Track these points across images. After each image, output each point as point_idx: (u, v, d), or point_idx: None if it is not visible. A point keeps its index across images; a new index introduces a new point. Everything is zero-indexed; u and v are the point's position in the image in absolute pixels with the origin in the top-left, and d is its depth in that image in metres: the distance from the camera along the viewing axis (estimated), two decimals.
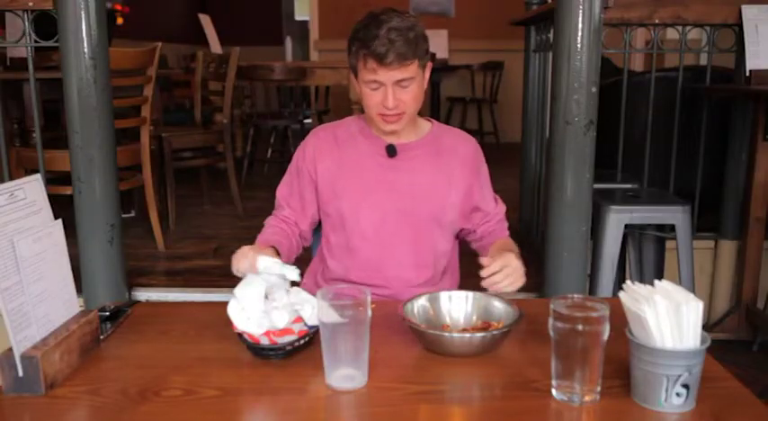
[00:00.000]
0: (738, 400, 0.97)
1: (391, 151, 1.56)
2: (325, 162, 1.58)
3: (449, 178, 1.58)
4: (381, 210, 1.54)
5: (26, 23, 2.37)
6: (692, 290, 2.26)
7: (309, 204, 1.61)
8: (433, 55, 5.98)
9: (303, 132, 4.56)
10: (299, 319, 1.11)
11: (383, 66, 1.42)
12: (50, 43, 2.34)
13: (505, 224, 1.68)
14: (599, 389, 0.96)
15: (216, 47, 5.28)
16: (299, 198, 1.61)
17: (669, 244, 2.49)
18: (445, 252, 1.62)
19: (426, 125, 1.63)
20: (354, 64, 1.48)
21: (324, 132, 1.62)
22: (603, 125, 2.31)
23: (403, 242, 1.56)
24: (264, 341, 1.08)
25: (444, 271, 1.64)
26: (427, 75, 1.52)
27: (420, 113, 1.60)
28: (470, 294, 1.25)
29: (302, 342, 1.10)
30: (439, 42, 6.75)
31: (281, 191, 1.64)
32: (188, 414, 0.95)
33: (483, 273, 1.30)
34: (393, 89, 1.45)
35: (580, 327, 0.94)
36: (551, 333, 0.97)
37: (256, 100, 5.56)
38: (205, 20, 5.46)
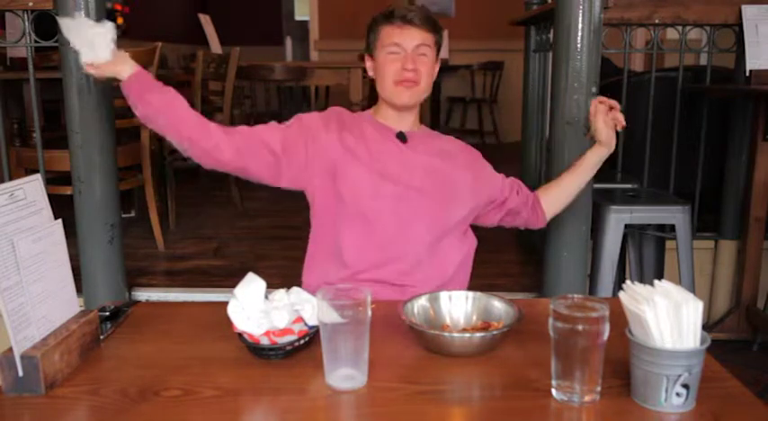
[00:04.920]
0: (738, 400, 0.97)
1: (402, 137, 1.61)
2: (331, 134, 1.55)
3: (454, 161, 1.63)
4: (400, 186, 1.54)
5: (26, 23, 2.37)
6: (692, 290, 2.26)
7: (269, 147, 1.53)
8: None
9: None
10: (299, 319, 1.11)
11: (407, 24, 1.53)
12: (50, 43, 2.34)
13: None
14: (599, 389, 0.96)
15: (216, 47, 5.28)
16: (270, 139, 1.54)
17: (669, 244, 2.48)
18: (461, 231, 1.64)
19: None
20: (374, 39, 1.58)
21: (333, 113, 1.63)
22: None
23: (420, 216, 1.56)
24: (264, 341, 1.08)
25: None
26: (437, 66, 1.63)
27: (420, 116, 1.65)
28: (470, 294, 1.25)
29: (302, 342, 1.10)
30: None
31: (255, 127, 1.57)
32: (188, 414, 0.95)
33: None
34: (412, 55, 1.55)
35: (580, 327, 0.94)
36: (551, 333, 0.97)
37: (256, 100, 5.55)
38: (205, 20, 5.46)
